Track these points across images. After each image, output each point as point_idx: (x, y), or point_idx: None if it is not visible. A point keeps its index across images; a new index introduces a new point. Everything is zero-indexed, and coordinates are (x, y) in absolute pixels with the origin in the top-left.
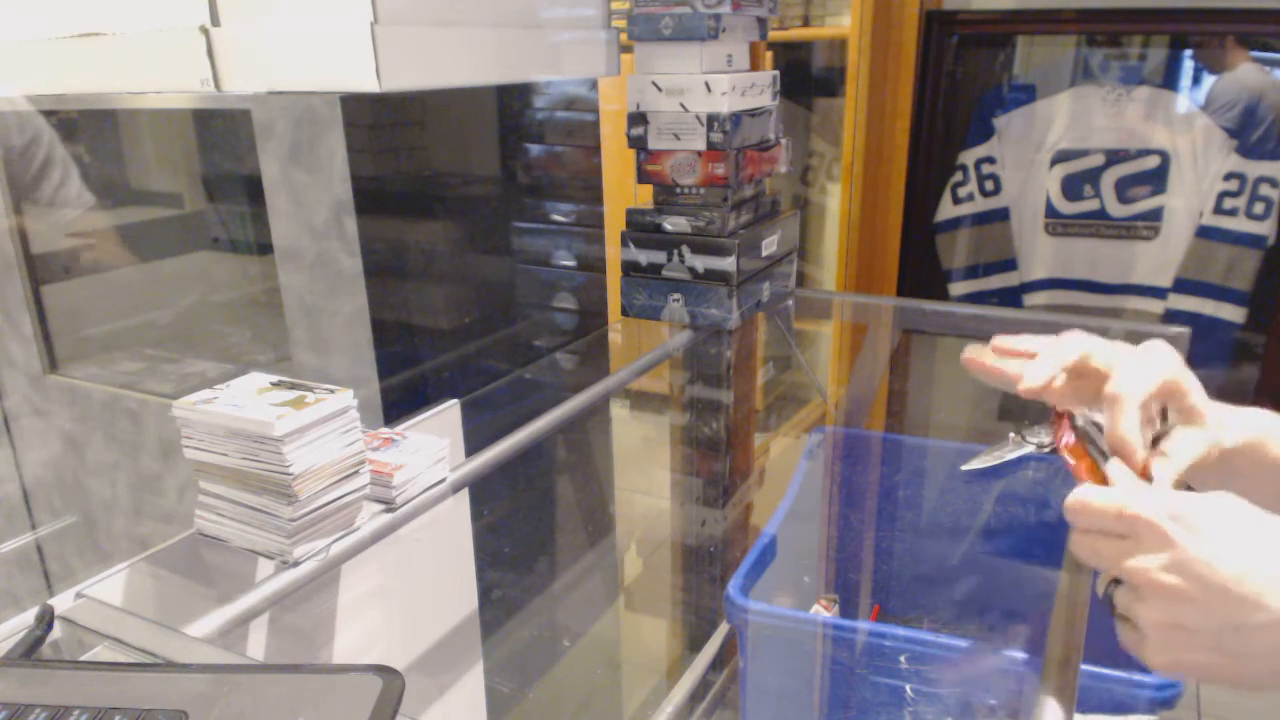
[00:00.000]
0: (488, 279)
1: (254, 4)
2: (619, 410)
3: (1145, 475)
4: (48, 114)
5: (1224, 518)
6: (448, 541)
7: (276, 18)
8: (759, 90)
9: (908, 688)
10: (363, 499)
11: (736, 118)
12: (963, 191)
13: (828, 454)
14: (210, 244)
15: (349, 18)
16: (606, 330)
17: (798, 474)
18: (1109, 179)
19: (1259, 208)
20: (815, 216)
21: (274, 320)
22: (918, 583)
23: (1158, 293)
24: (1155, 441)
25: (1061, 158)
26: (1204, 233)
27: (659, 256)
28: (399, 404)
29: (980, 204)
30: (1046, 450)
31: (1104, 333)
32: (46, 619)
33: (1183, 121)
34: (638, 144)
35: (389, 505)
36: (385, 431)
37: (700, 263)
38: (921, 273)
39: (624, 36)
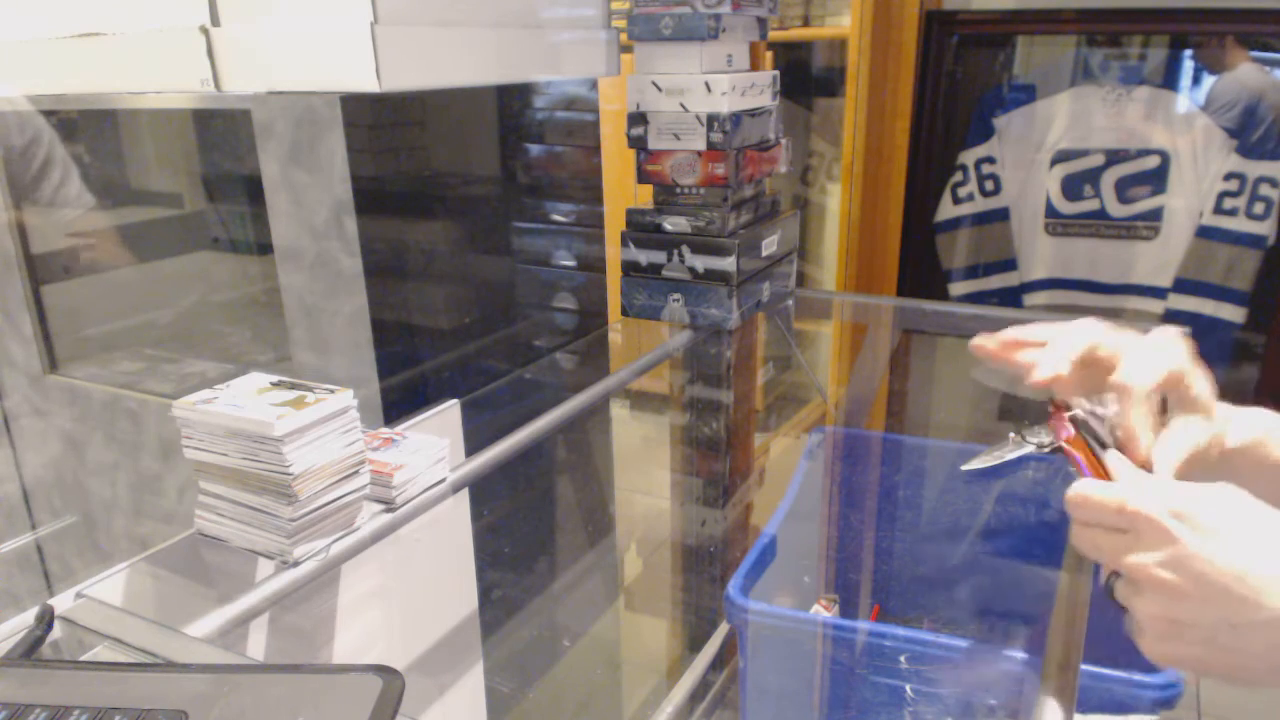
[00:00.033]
0: (488, 279)
1: (254, 4)
2: (619, 410)
3: (1147, 465)
4: (48, 114)
5: (1225, 512)
6: (448, 541)
7: (276, 18)
8: (759, 90)
9: (908, 688)
10: (363, 499)
11: (736, 118)
12: (963, 191)
13: (828, 454)
14: (210, 244)
15: (349, 18)
16: (606, 330)
17: (798, 474)
18: (1109, 179)
19: (1259, 208)
20: (815, 216)
21: (274, 320)
22: (918, 583)
23: (1158, 293)
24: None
25: (1061, 158)
26: (1204, 233)
27: (659, 256)
28: (399, 404)
29: (980, 204)
30: (1046, 450)
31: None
32: (46, 619)
33: (1183, 121)
34: (638, 144)
35: (389, 505)
36: (385, 431)
37: (700, 263)
38: (921, 273)
39: (624, 36)
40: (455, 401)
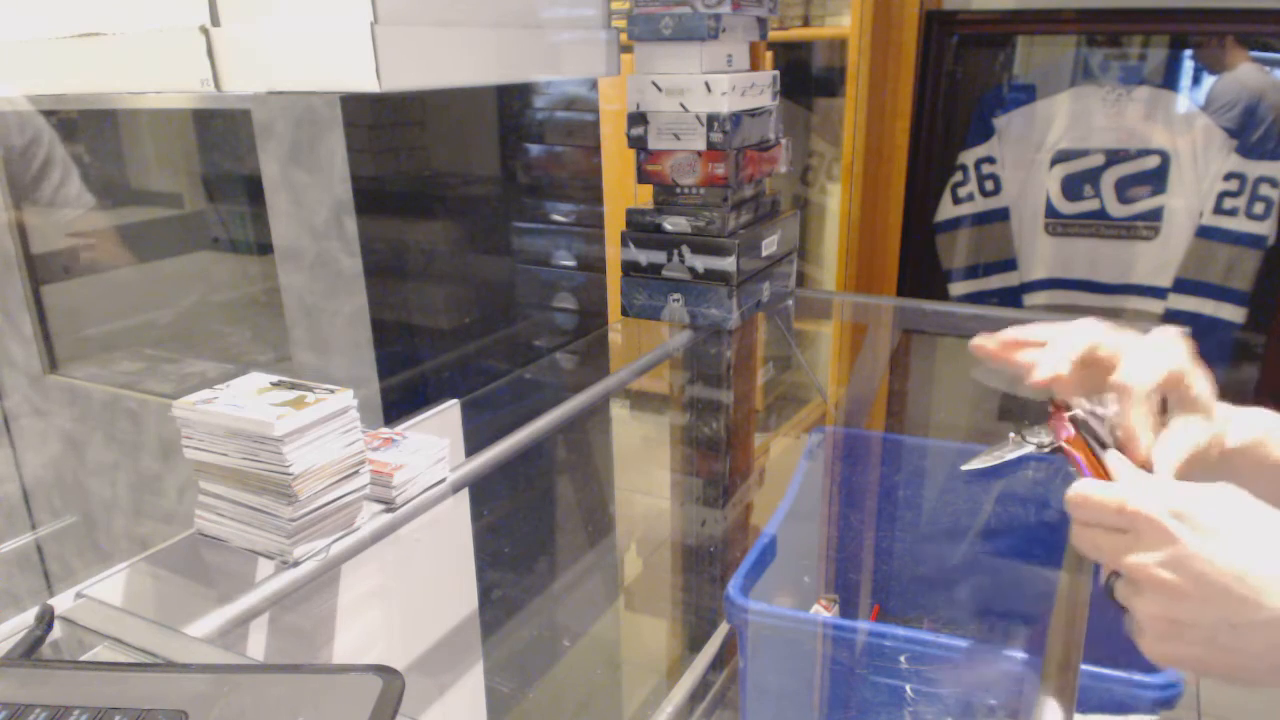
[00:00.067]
0: (488, 279)
1: (254, 4)
2: (619, 410)
3: (1147, 465)
4: (48, 114)
5: (1225, 512)
6: (448, 541)
7: (276, 18)
8: (759, 90)
9: (908, 688)
10: (363, 499)
11: (736, 118)
12: (963, 191)
13: (828, 454)
14: (210, 244)
15: (349, 18)
16: (606, 330)
17: (798, 474)
18: (1109, 179)
19: (1259, 208)
20: (815, 216)
21: (274, 320)
22: (918, 583)
23: (1158, 293)
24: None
25: (1061, 158)
26: (1204, 233)
27: (659, 256)
28: (399, 404)
29: (980, 204)
30: (1046, 450)
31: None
32: (46, 619)
33: (1183, 121)
34: (638, 144)
35: (389, 505)
36: (385, 431)
37: (700, 263)
38: (921, 273)
39: (624, 36)
40: (455, 401)
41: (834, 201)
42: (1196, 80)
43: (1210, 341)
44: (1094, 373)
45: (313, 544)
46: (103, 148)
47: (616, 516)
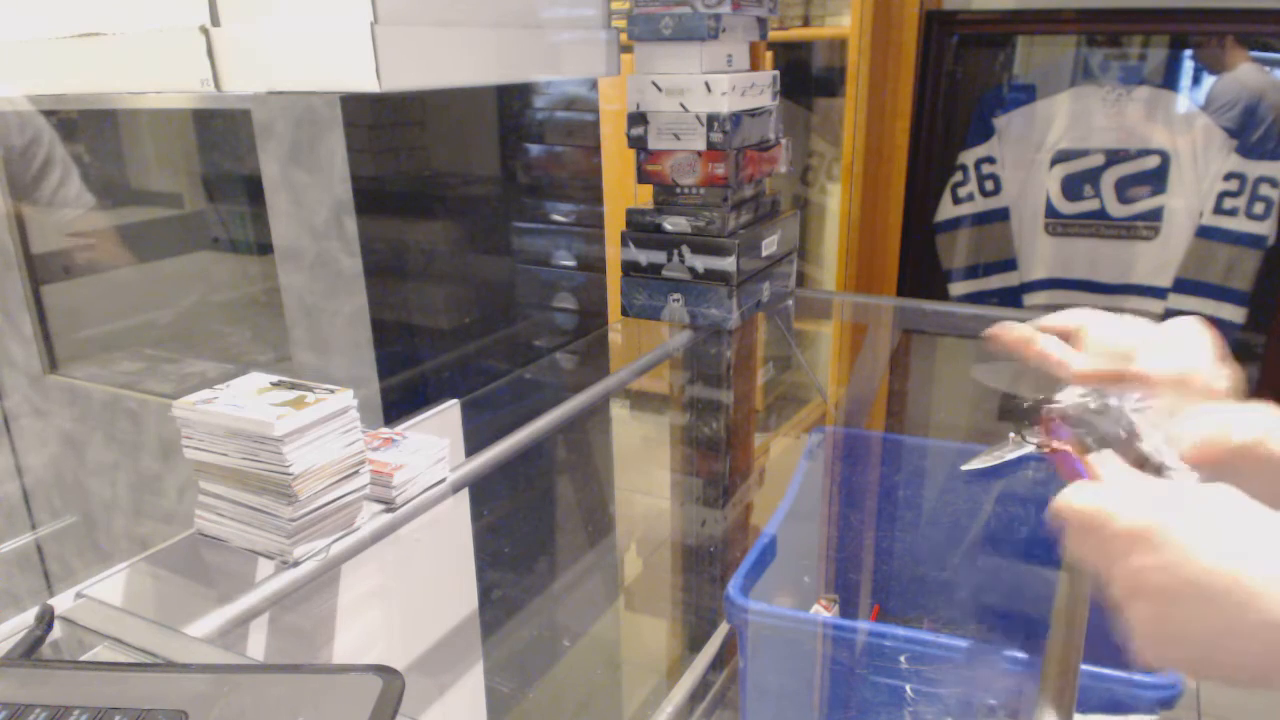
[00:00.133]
0: (488, 279)
1: (254, 4)
2: (619, 410)
3: (1149, 461)
4: (48, 114)
5: (1218, 514)
6: (448, 541)
7: (276, 18)
8: (759, 90)
9: (908, 688)
10: (363, 499)
11: (736, 118)
12: (963, 191)
13: (828, 454)
14: (210, 244)
15: (349, 18)
16: (606, 330)
17: (798, 474)
18: (1109, 179)
19: (1259, 208)
20: (815, 216)
21: (274, 320)
22: (918, 583)
23: (1158, 293)
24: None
25: (1061, 158)
26: (1204, 233)
27: (659, 256)
28: (399, 404)
29: (980, 204)
30: (1047, 450)
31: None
32: (46, 619)
33: (1183, 121)
34: (638, 144)
35: (389, 505)
36: (385, 431)
37: (700, 263)
38: (921, 273)
39: (624, 36)
40: (455, 401)
41: (834, 201)
42: (1196, 80)
43: None
44: (1112, 363)
45: (313, 544)
46: (103, 148)
47: (616, 516)
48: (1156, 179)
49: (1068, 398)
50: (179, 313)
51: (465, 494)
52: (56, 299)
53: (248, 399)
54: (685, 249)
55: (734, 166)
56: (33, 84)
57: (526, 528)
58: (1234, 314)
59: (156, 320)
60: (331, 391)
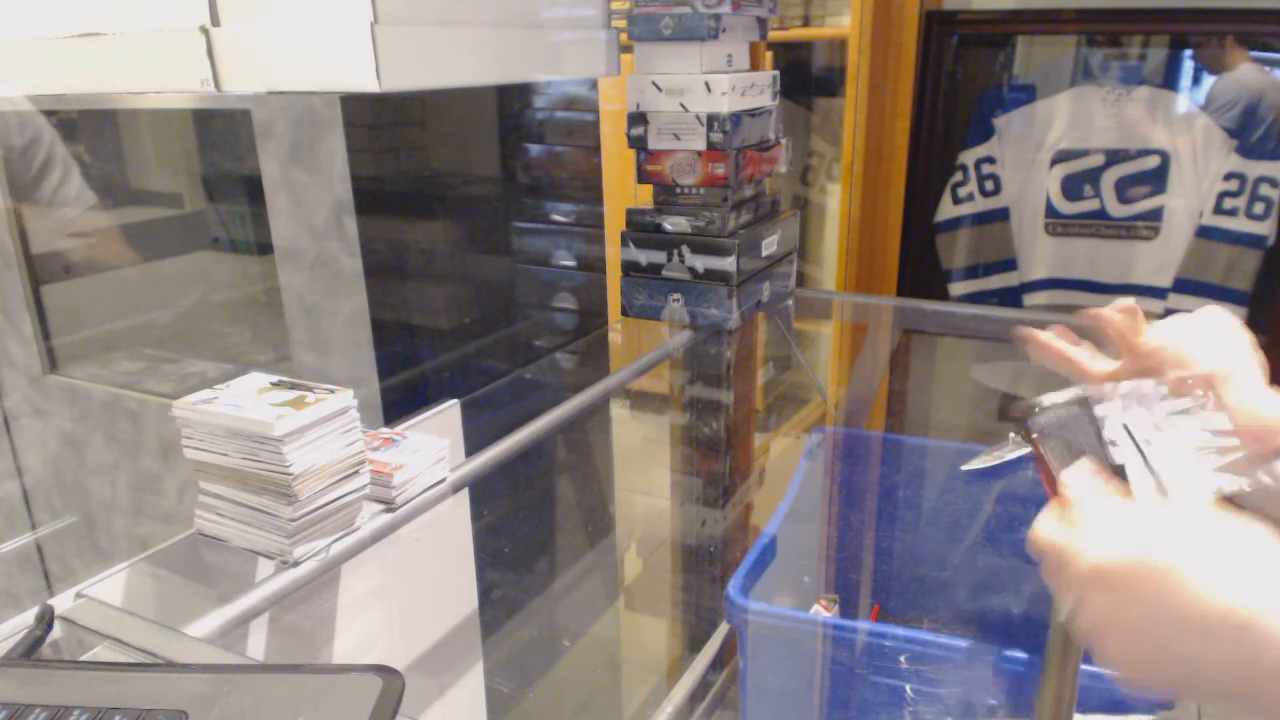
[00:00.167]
0: (488, 279)
1: (254, 4)
2: (619, 410)
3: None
4: (48, 114)
5: (1213, 545)
6: (448, 541)
7: (276, 18)
8: (759, 90)
9: (908, 688)
10: (363, 499)
11: (736, 118)
12: (963, 191)
13: (828, 454)
14: (210, 244)
15: (349, 18)
16: (606, 330)
17: (798, 474)
18: (1109, 179)
19: (1259, 208)
20: (815, 216)
21: (274, 320)
22: (918, 583)
23: (1158, 293)
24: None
25: (1061, 158)
26: (1204, 233)
27: (659, 256)
28: (399, 404)
29: (980, 204)
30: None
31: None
32: (46, 619)
33: (1183, 121)
34: (638, 144)
35: (389, 505)
36: (385, 431)
37: (700, 263)
38: (921, 273)
39: (624, 36)
40: (455, 401)
41: (834, 201)
42: (1196, 80)
43: None
44: (1144, 362)
45: (313, 544)
46: (103, 148)
47: (616, 516)
48: (1156, 179)
49: (1050, 400)
50: (179, 313)
51: (465, 494)
52: (56, 299)
53: (248, 399)
54: (685, 249)
55: (734, 166)
56: (33, 84)
57: (526, 528)
58: (1234, 314)
59: (156, 320)
60: (331, 391)
